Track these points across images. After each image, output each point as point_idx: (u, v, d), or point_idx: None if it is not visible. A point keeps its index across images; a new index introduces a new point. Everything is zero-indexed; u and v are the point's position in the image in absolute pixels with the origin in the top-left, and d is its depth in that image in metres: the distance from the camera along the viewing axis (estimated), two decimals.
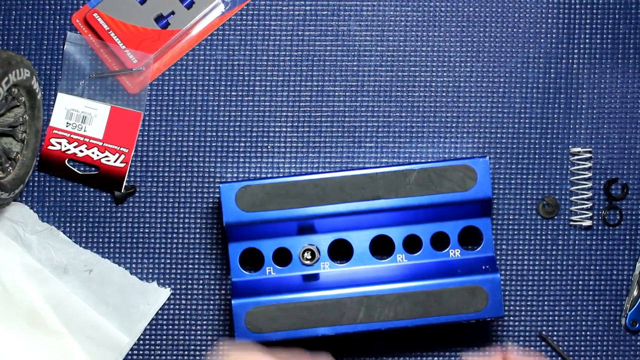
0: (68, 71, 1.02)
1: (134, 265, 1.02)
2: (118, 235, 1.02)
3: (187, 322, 1.02)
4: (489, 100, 1.03)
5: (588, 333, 1.02)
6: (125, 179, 1.02)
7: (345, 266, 0.97)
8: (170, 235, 1.02)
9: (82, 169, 1.02)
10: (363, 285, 0.94)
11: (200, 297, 1.01)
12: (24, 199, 1.02)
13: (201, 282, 1.02)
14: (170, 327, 1.02)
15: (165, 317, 1.02)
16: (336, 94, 1.02)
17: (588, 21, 1.03)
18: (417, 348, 1.01)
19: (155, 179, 1.02)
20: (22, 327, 1.00)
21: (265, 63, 1.02)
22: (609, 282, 1.02)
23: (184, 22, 1.01)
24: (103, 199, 1.02)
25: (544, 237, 1.02)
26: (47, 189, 1.02)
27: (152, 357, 1.01)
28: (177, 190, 1.02)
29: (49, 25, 1.02)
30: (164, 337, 1.02)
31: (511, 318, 1.02)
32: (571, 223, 1.02)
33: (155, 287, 1.02)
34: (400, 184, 0.94)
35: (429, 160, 1.02)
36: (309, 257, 0.95)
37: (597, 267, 1.02)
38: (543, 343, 1.02)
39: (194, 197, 1.02)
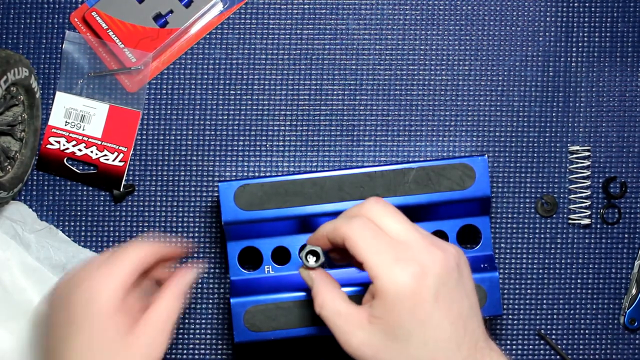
0: (67, 70, 1.02)
1: None
2: (117, 234, 1.02)
3: (186, 320, 1.02)
4: (487, 98, 1.03)
5: (587, 331, 1.02)
6: (124, 177, 1.02)
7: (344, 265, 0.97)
8: (169, 234, 1.02)
9: (81, 167, 1.02)
10: (362, 284, 0.94)
11: (199, 295, 1.02)
12: (22, 197, 1.02)
13: (200, 280, 1.02)
14: None
15: None
16: (335, 92, 1.02)
17: (586, 19, 1.03)
18: None
19: (154, 178, 1.02)
20: (21, 326, 1.00)
21: (264, 61, 1.02)
22: (607, 281, 1.02)
23: (183, 21, 1.01)
24: (102, 198, 1.02)
25: (542, 236, 1.02)
26: (45, 187, 1.02)
27: None
28: (176, 189, 1.02)
29: (47, 24, 1.02)
30: None
31: (510, 316, 1.02)
32: (570, 221, 1.02)
33: None
34: (398, 183, 0.94)
35: (428, 158, 1.02)
36: (314, 260, 0.85)
37: (596, 266, 1.02)
38: (542, 341, 1.02)
39: (193, 196, 1.02)
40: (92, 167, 1.02)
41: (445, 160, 0.94)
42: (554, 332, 1.02)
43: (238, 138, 1.02)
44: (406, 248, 0.77)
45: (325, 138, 1.02)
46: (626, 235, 1.03)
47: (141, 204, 1.02)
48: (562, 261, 1.02)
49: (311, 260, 0.84)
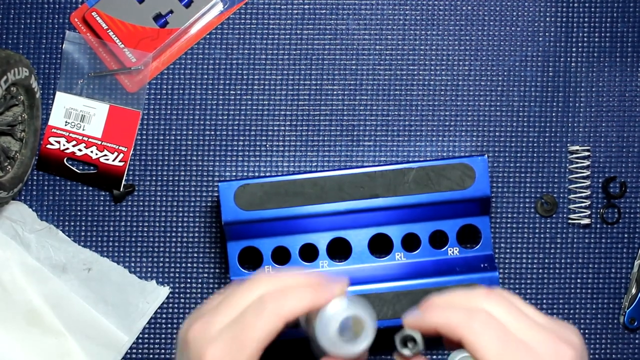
0: (67, 70, 1.02)
1: (132, 264, 1.02)
2: (117, 234, 1.02)
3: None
4: (487, 98, 1.03)
5: (586, 331, 1.02)
6: (124, 177, 1.02)
7: (344, 265, 0.97)
8: (169, 234, 1.02)
9: (81, 167, 1.02)
10: (362, 283, 0.94)
11: (199, 295, 1.02)
12: (22, 197, 1.02)
13: (200, 280, 1.02)
14: (169, 325, 1.02)
15: (164, 315, 1.02)
16: (335, 92, 1.02)
17: (586, 19, 1.03)
18: None
19: (154, 178, 1.02)
20: (20, 326, 1.00)
21: (264, 62, 1.02)
22: (607, 280, 1.02)
23: (183, 21, 1.01)
24: (102, 198, 1.02)
25: (542, 236, 1.02)
26: (45, 187, 1.02)
27: (151, 356, 1.02)
28: (176, 189, 1.02)
29: (47, 24, 1.02)
30: (163, 335, 1.02)
31: None
32: (569, 221, 1.02)
33: (154, 285, 1.02)
34: (398, 183, 0.94)
35: (428, 158, 1.02)
36: (411, 347, 0.74)
37: (596, 265, 1.02)
38: None
39: (193, 196, 1.02)
40: (92, 167, 1.02)
41: (445, 160, 0.95)
42: None
43: (238, 138, 1.02)
44: (535, 353, 0.70)
45: (325, 138, 1.02)
46: (626, 235, 1.03)
47: (141, 204, 1.02)
48: (562, 261, 1.02)
49: (408, 348, 0.73)
